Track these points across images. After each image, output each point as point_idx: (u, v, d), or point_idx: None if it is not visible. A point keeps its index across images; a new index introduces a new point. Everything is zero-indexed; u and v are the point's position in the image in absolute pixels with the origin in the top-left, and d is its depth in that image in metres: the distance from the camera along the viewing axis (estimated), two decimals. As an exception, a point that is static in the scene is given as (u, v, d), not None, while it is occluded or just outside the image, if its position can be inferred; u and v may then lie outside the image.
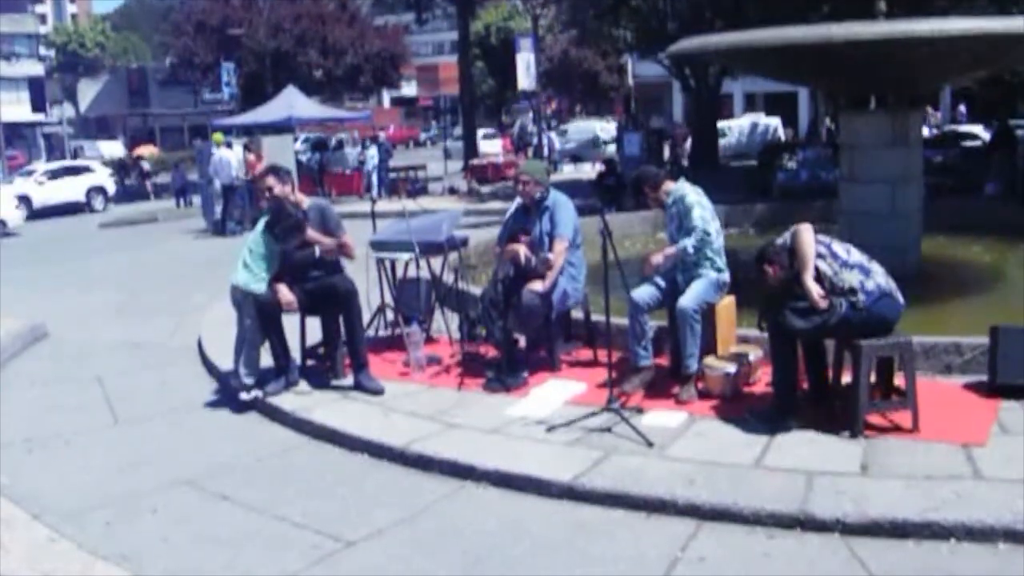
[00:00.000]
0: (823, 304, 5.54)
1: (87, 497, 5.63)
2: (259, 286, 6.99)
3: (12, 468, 6.15)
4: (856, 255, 5.76)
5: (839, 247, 5.80)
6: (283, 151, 20.45)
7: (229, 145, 21.08)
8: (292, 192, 7.28)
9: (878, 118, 9.66)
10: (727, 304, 6.85)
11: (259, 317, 6.99)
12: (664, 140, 29.03)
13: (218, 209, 20.53)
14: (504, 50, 47.73)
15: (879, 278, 5.67)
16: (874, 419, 5.71)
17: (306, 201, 7.41)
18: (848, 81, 9.81)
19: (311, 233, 7.12)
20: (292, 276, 7.15)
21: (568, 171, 34.06)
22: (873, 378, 5.80)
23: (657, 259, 6.62)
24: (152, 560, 4.78)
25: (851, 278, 5.61)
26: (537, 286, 6.95)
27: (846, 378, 5.89)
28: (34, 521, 5.20)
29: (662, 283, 6.76)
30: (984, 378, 6.30)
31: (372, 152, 28.00)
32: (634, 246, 12.63)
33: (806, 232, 5.75)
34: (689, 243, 6.54)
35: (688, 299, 6.47)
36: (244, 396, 7.06)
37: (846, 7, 19.59)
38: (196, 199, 27.53)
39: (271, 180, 7.18)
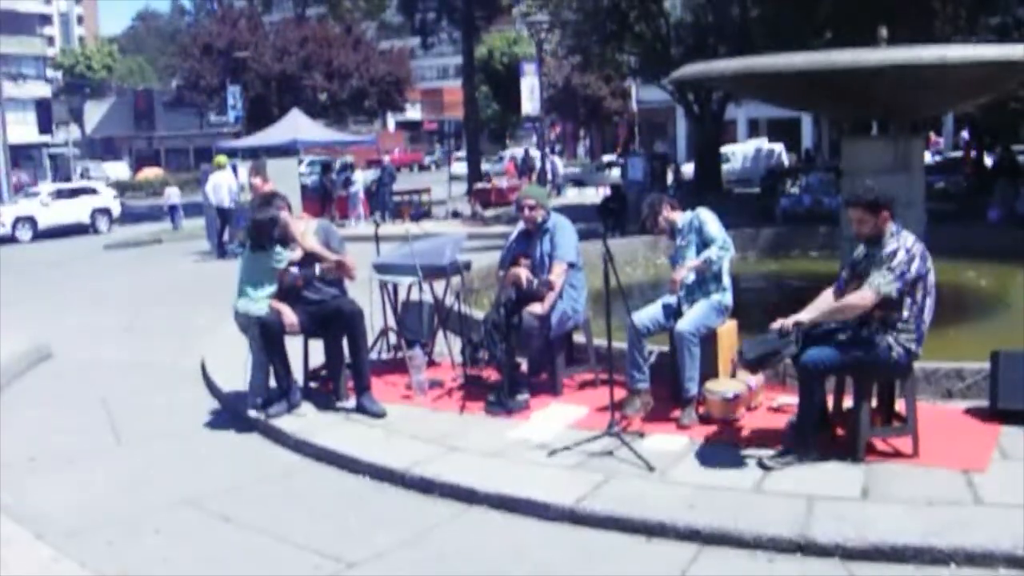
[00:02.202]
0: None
1: (90, 516, 5.65)
2: (259, 307, 7.03)
3: (15, 487, 6.17)
4: (927, 314, 5.58)
5: (929, 303, 5.55)
6: (288, 174, 20.58)
7: (235, 168, 21.19)
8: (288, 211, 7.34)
9: (880, 144, 9.71)
10: (729, 328, 6.86)
11: (262, 339, 7.03)
12: (667, 165, 29.18)
13: (227, 232, 20.66)
14: (508, 75, 48.03)
15: (919, 344, 5.59)
16: (875, 444, 5.72)
17: (311, 223, 7.48)
18: (850, 107, 9.87)
19: (313, 244, 7.16)
20: (296, 297, 7.19)
21: (572, 195, 34.17)
22: (874, 403, 5.81)
23: (682, 273, 6.62)
24: (154, 580, 4.81)
25: (910, 340, 5.53)
26: (536, 308, 6.98)
27: (847, 403, 5.90)
28: (37, 540, 5.21)
29: (665, 306, 6.78)
30: (985, 403, 6.31)
31: (357, 176, 28.04)
32: (635, 271, 12.69)
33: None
34: (713, 252, 6.56)
35: (686, 323, 6.50)
36: (252, 413, 7.08)
37: (849, 34, 19.74)
38: (185, 221, 28.50)
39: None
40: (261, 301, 7.05)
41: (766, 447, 5.76)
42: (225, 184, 20.47)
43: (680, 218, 6.91)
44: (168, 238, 26.46)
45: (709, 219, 6.72)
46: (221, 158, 22.37)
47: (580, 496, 5.27)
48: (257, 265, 7.08)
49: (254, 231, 7.11)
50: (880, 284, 5.36)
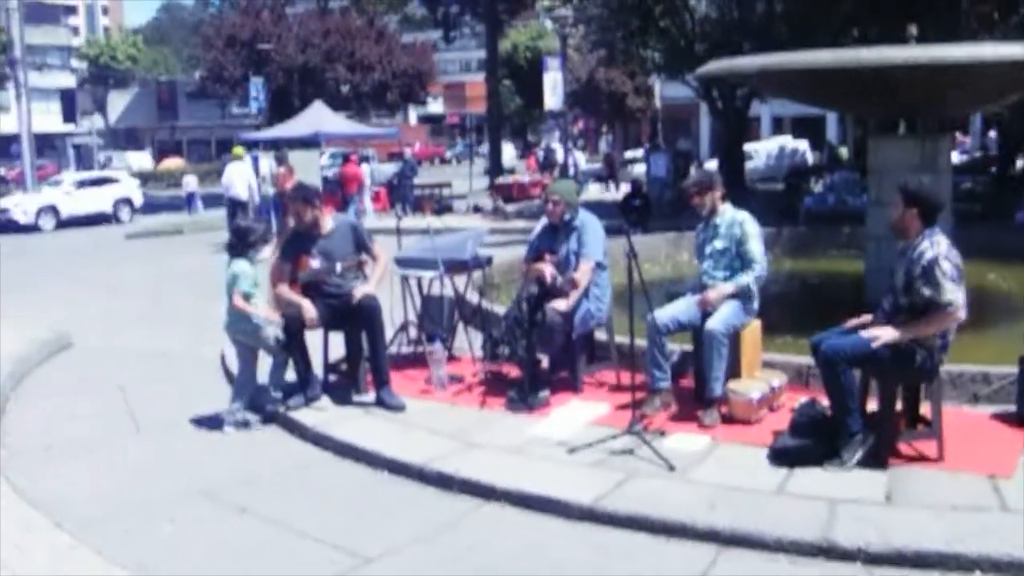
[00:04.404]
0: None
1: (106, 505, 5.66)
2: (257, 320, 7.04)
3: (33, 474, 6.19)
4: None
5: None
6: (310, 166, 20.59)
7: (256, 160, 21.25)
8: (317, 211, 7.32)
9: (907, 143, 9.63)
10: (753, 328, 6.80)
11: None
12: (691, 162, 29.13)
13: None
14: (532, 69, 47.95)
15: (945, 350, 5.55)
16: (899, 448, 5.65)
17: (331, 220, 7.43)
18: (878, 106, 9.78)
19: (373, 286, 7.19)
20: (316, 290, 7.18)
21: (594, 191, 34.07)
22: (899, 406, 5.75)
23: (714, 296, 6.53)
24: (169, 570, 4.80)
25: (935, 348, 5.48)
26: (560, 305, 6.94)
27: (871, 405, 5.83)
28: (55, 527, 5.23)
29: (686, 305, 6.72)
30: (1012, 408, 6.24)
31: (363, 169, 28.10)
32: (654, 268, 12.59)
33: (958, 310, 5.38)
34: (750, 278, 6.53)
35: (717, 322, 6.42)
36: (269, 407, 7.06)
37: (877, 31, 19.59)
38: (206, 212, 29.54)
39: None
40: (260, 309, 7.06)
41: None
42: (239, 175, 20.50)
43: (724, 210, 6.80)
44: (188, 228, 26.55)
45: (754, 234, 6.63)
46: (238, 149, 22.42)
47: (600, 495, 5.24)
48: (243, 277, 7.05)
49: (234, 237, 7.17)
50: (954, 298, 5.32)
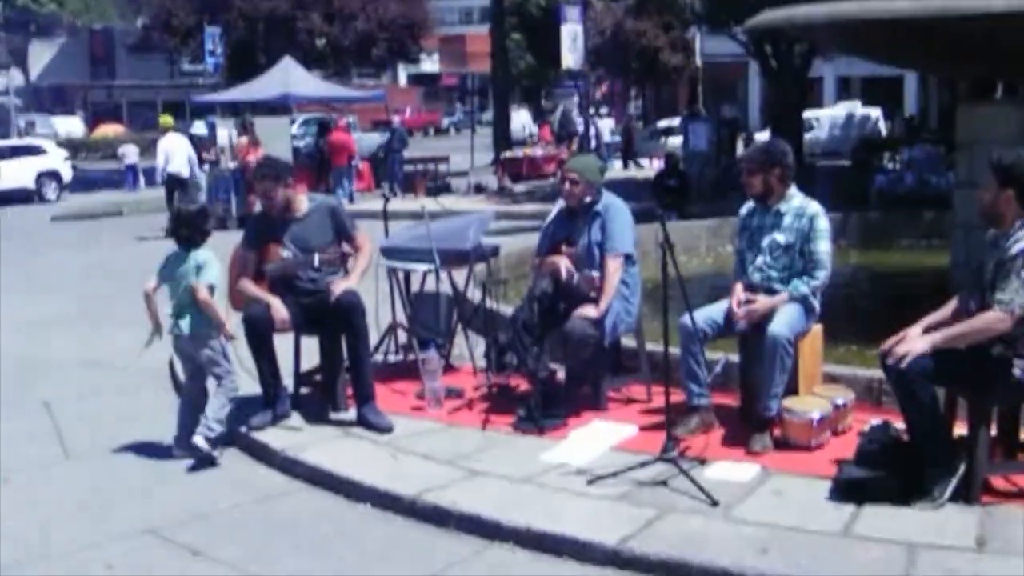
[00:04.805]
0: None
1: (27, 548, 5.66)
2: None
3: (-58, 508, 6.21)
4: None
5: None
6: (278, 136, 20.63)
7: (212, 126, 21.32)
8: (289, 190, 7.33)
9: (1006, 109, 9.58)
10: (813, 334, 6.80)
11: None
12: (737, 133, 29.13)
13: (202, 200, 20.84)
14: (546, 20, 47.91)
15: None
16: (995, 482, 5.65)
17: (306, 201, 7.44)
18: (971, 64, 9.74)
19: (355, 280, 7.21)
20: (287, 286, 7.19)
21: (619, 167, 34.11)
22: (994, 431, 5.74)
23: (764, 308, 6.54)
24: (107, 625, 4.83)
25: None
26: (590, 311, 6.93)
27: (959, 429, 5.83)
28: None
29: (726, 310, 6.71)
30: None
31: None
32: (691, 261, 12.59)
33: None
34: (808, 288, 6.54)
35: (781, 325, 6.39)
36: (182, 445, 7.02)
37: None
38: (151, 191, 29.01)
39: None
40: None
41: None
42: (177, 148, 20.58)
43: (791, 195, 6.79)
44: (129, 209, 26.58)
45: (823, 232, 6.62)
46: (167, 118, 22.47)
47: (627, 535, 5.26)
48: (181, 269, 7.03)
49: (178, 224, 7.11)
50: (1014, 302, 5.25)
